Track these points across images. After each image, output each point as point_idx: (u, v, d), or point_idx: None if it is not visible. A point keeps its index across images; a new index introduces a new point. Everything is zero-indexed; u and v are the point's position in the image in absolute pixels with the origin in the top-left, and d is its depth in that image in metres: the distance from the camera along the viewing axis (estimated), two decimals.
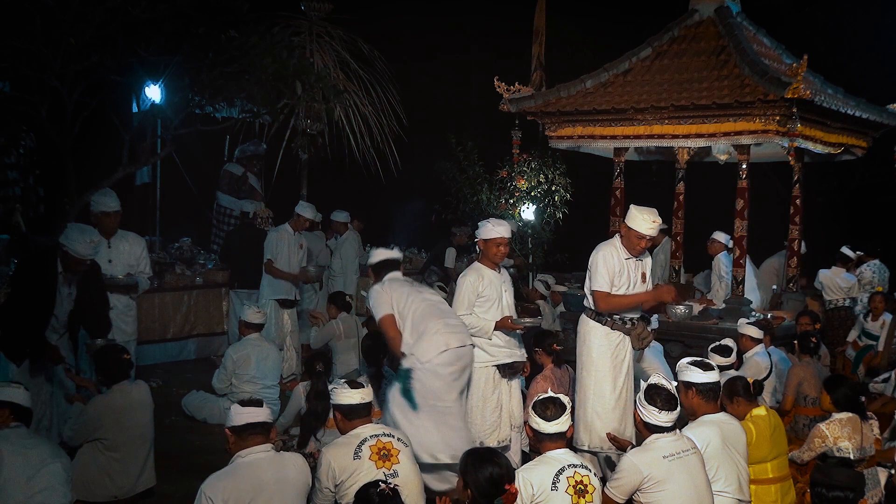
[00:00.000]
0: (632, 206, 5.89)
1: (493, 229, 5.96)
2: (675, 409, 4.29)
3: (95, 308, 6.27)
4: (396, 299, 5.55)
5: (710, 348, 6.43)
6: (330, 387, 4.63)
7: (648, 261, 6.09)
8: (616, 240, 5.95)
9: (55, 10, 7.13)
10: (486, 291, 5.93)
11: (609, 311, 5.85)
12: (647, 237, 5.83)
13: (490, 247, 5.96)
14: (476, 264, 6.10)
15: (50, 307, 5.93)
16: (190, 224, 11.61)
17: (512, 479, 3.72)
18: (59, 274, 6.01)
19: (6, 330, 5.89)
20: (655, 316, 7.89)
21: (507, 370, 6.05)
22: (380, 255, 5.81)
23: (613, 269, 5.82)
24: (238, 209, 10.56)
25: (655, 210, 5.91)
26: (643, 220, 5.78)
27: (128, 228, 7.43)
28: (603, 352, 5.87)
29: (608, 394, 5.80)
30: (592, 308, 5.91)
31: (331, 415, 6.37)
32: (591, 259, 5.91)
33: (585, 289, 6.01)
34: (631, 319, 5.91)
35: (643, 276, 5.96)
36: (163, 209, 11.71)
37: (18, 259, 7.37)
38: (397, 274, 5.73)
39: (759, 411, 5.18)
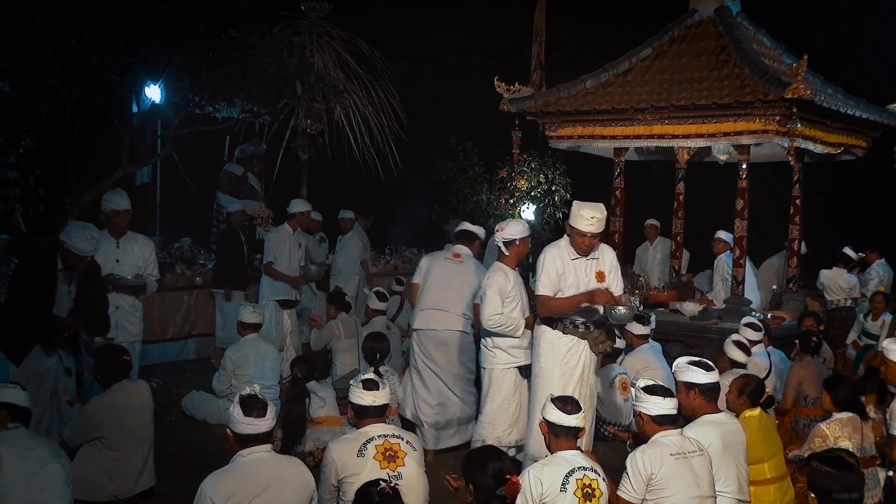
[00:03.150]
0: (574, 203, 5.69)
1: (526, 229, 6.25)
2: (674, 396, 4.36)
3: (94, 307, 6.25)
4: (425, 271, 6.88)
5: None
6: (349, 384, 4.63)
7: (608, 258, 5.78)
8: (563, 240, 5.75)
9: (55, 10, 7.12)
10: (513, 291, 6.07)
11: (548, 315, 5.68)
12: (589, 234, 5.56)
13: (523, 246, 6.17)
14: (499, 264, 6.17)
15: (49, 306, 5.92)
16: (190, 224, 11.60)
17: (514, 472, 3.72)
18: (58, 272, 6.00)
19: (6, 329, 5.88)
20: (653, 316, 7.94)
21: (525, 371, 6.16)
22: (461, 226, 7.16)
23: (557, 271, 5.61)
24: (226, 208, 10.51)
25: (600, 205, 5.67)
26: (581, 218, 5.54)
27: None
28: (551, 357, 5.70)
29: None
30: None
31: (316, 414, 6.46)
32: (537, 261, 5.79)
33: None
34: (584, 323, 5.72)
35: (599, 274, 5.67)
36: (163, 209, 11.71)
37: (18, 259, 7.36)
38: (460, 248, 6.92)
39: (752, 412, 5.19)
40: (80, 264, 6.05)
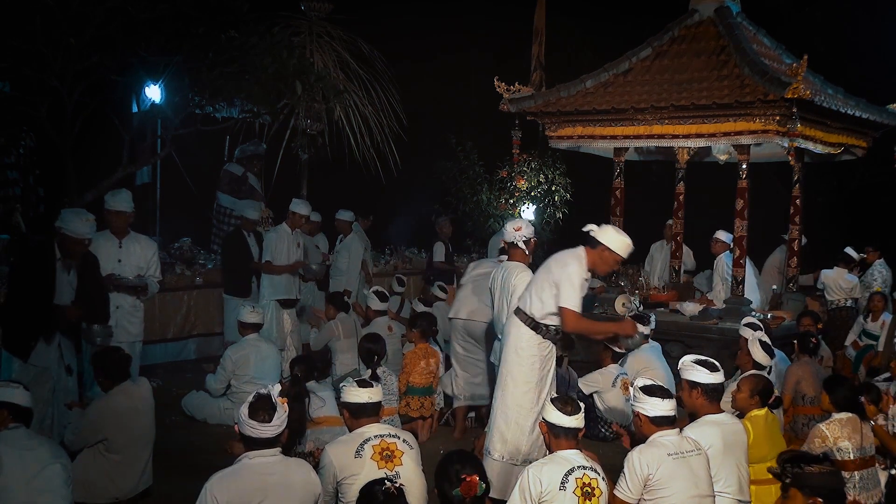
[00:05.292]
0: (610, 228, 5.56)
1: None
2: (673, 397, 4.35)
3: (90, 294, 6.21)
4: (470, 270, 7.60)
5: (743, 323, 6.82)
6: (340, 384, 4.65)
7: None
8: (583, 254, 5.52)
9: (55, 10, 7.13)
10: None
11: (574, 332, 5.59)
12: (622, 260, 5.61)
13: (533, 244, 6.41)
14: (520, 264, 6.30)
15: (50, 296, 5.90)
16: (190, 224, 11.59)
17: (472, 472, 3.69)
18: (57, 261, 5.95)
19: (10, 326, 5.85)
20: (653, 316, 7.95)
21: None
22: (495, 244, 7.93)
23: (582, 288, 5.50)
24: (239, 211, 10.50)
25: None
26: (625, 245, 5.46)
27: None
28: (534, 363, 5.58)
29: (530, 407, 5.49)
30: (532, 316, 5.56)
31: (316, 414, 6.45)
32: (558, 270, 5.50)
33: (536, 297, 5.57)
34: (557, 329, 5.63)
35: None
36: (163, 209, 11.70)
37: (15, 254, 7.34)
38: (502, 256, 7.08)
39: (759, 411, 5.19)
40: (79, 248, 6.01)
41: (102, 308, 6.40)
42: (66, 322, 5.98)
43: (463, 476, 3.65)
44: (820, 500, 3.65)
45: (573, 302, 5.41)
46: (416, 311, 8.80)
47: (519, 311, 5.66)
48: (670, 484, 4.14)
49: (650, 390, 4.32)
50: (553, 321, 5.55)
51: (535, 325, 5.57)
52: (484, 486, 3.69)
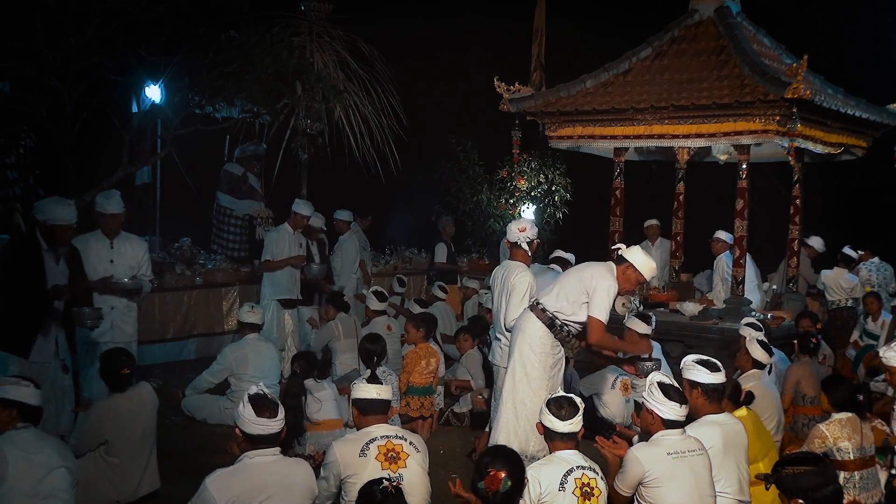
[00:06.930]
0: (639, 249, 5.70)
1: None
2: (687, 402, 4.35)
3: (74, 279, 6.19)
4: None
5: (743, 323, 6.75)
6: (352, 383, 4.66)
7: None
8: (614, 270, 5.67)
9: (55, 10, 7.13)
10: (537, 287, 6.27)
11: (595, 344, 5.69)
12: (644, 281, 5.89)
13: (534, 245, 6.47)
14: (521, 265, 6.33)
15: (42, 287, 5.89)
16: (190, 224, 11.60)
17: (500, 468, 3.70)
18: (43, 252, 5.92)
19: (7, 324, 5.84)
20: (653, 316, 7.94)
21: None
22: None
23: (612, 302, 5.67)
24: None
25: None
26: (650, 268, 5.67)
27: (128, 228, 7.41)
28: (546, 360, 5.65)
29: (538, 406, 5.36)
30: (555, 315, 5.63)
31: (315, 416, 6.44)
32: (594, 280, 5.58)
33: (564, 298, 5.63)
34: (570, 332, 5.75)
35: None
36: (163, 209, 11.70)
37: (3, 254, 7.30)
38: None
39: (740, 412, 5.19)
40: (66, 235, 6.00)
41: (86, 290, 6.40)
42: (61, 298, 5.94)
43: (489, 470, 3.66)
44: (800, 501, 3.59)
45: (604, 314, 5.56)
46: (413, 311, 8.80)
47: (536, 308, 5.70)
48: (667, 483, 4.16)
49: (668, 392, 4.28)
50: (572, 325, 5.66)
51: (551, 324, 5.63)
52: (510, 483, 3.67)
